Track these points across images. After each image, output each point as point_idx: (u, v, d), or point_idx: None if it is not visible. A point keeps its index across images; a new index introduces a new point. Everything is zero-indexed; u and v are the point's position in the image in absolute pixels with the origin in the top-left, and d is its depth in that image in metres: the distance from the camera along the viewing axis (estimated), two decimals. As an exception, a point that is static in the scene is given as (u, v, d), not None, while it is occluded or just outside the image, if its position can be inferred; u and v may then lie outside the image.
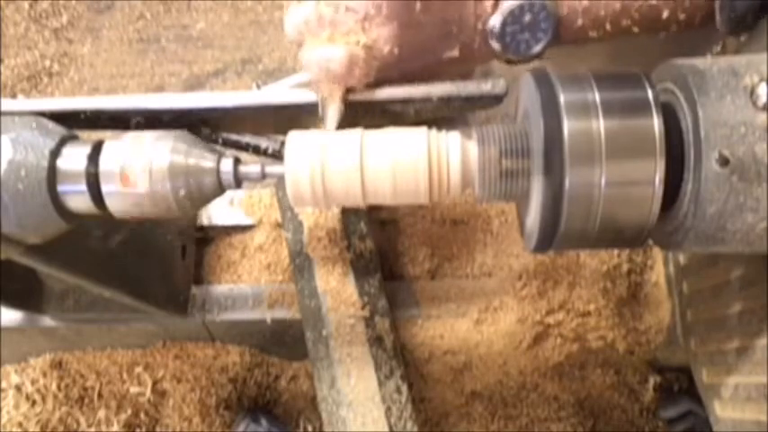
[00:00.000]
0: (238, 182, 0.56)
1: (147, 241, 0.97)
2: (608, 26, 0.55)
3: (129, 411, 1.18)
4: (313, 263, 1.02)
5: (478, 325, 1.07)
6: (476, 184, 0.52)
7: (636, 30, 0.55)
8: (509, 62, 0.59)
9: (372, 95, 0.58)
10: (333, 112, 0.57)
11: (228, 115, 0.62)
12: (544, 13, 0.54)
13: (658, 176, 0.47)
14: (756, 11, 0.51)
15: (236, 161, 0.56)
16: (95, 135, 0.59)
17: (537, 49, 0.56)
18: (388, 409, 1.01)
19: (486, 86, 0.57)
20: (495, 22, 0.55)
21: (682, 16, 0.54)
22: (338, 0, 0.54)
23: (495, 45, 0.56)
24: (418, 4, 0.54)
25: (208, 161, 0.55)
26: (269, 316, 1.08)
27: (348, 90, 0.57)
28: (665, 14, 0.54)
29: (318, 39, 0.56)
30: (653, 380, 1.20)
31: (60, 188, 0.55)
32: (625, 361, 1.17)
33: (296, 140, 0.54)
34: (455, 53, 0.57)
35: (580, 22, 0.55)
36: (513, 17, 0.54)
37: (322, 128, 0.57)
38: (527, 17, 0.54)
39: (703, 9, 0.53)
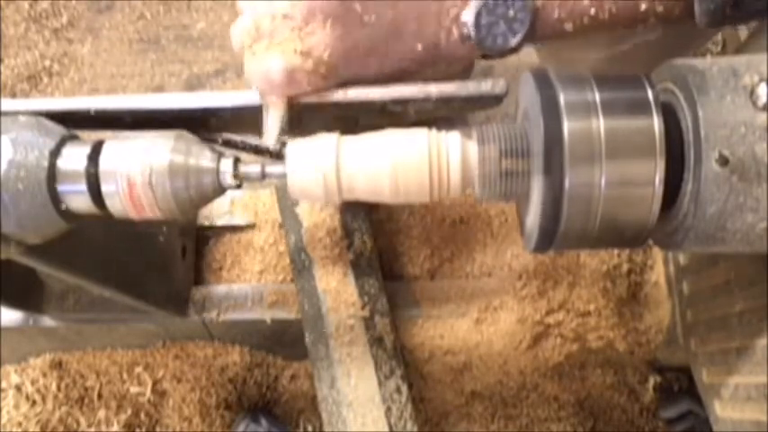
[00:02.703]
0: (238, 182, 0.56)
1: (147, 241, 0.97)
2: (585, 19, 0.54)
3: (129, 411, 1.18)
4: (313, 263, 1.02)
5: (478, 325, 1.07)
6: (476, 184, 0.52)
7: (613, 22, 0.55)
8: (485, 57, 0.57)
9: (372, 95, 0.58)
10: (273, 122, 0.57)
11: (228, 115, 0.62)
12: (520, 4, 0.53)
13: (658, 176, 0.47)
14: (734, 5, 0.50)
15: (236, 161, 0.56)
16: (95, 135, 0.59)
17: (514, 41, 0.54)
18: (388, 409, 1.01)
19: (486, 86, 0.57)
20: (468, 15, 0.53)
21: (660, 9, 0.53)
22: (275, 6, 0.53)
23: (470, 40, 0.54)
24: (358, 6, 0.53)
25: (208, 161, 0.55)
26: (269, 316, 1.08)
27: (291, 99, 0.57)
28: (643, 6, 0.53)
29: (258, 49, 0.55)
30: (653, 380, 1.20)
31: (60, 188, 0.55)
32: (625, 361, 1.17)
33: (296, 143, 0.54)
34: (416, 52, 0.56)
35: (557, 14, 0.54)
36: (488, 9, 0.53)
37: (264, 137, 0.57)
38: (502, 9, 0.53)
39: (682, 2, 0.53)
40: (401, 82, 0.57)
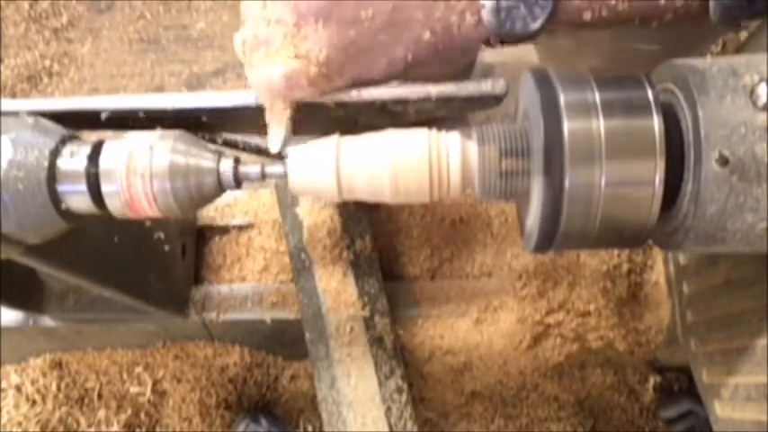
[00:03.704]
0: (238, 182, 0.56)
1: (147, 241, 0.97)
2: (604, 10, 0.54)
3: (129, 411, 1.18)
4: (313, 263, 1.02)
5: (478, 325, 1.07)
6: (476, 184, 0.52)
7: (631, 16, 0.55)
8: (503, 43, 0.57)
9: (372, 95, 0.58)
10: (278, 128, 0.57)
11: (228, 115, 0.62)
12: None
13: (658, 176, 0.47)
14: (749, 5, 0.50)
15: (236, 161, 0.56)
16: (95, 135, 0.59)
17: (534, 26, 0.54)
18: (388, 409, 1.01)
19: (486, 86, 0.57)
20: None
21: (678, 4, 0.54)
22: (268, 12, 0.54)
23: (489, 23, 0.54)
24: (350, 2, 0.52)
25: (208, 161, 0.55)
26: (269, 316, 1.08)
27: (296, 104, 0.57)
28: (663, 1, 0.53)
29: (256, 58, 0.55)
30: (653, 380, 1.20)
31: (60, 188, 0.55)
32: (625, 361, 1.17)
33: (300, 147, 0.54)
34: (424, 41, 0.55)
35: (577, 2, 0.54)
36: None
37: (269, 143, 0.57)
38: None
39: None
40: (415, 74, 0.57)
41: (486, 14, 0.54)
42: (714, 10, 0.51)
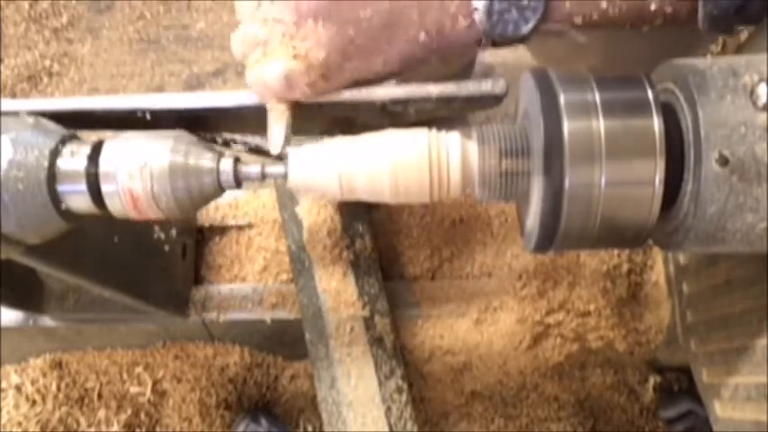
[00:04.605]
0: (238, 182, 0.56)
1: (147, 241, 0.97)
2: (595, 14, 0.54)
3: (129, 411, 1.18)
4: (313, 263, 1.02)
5: (478, 325, 1.07)
6: (476, 184, 0.52)
7: (622, 19, 0.55)
8: (494, 45, 0.57)
9: (372, 95, 0.58)
10: (278, 129, 0.56)
11: (228, 115, 0.62)
12: None
13: (658, 176, 0.47)
14: (737, 12, 0.51)
15: (236, 161, 0.56)
16: (95, 135, 0.59)
17: (525, 29, 0.54)
18: (388, 409, 1.01)
19: (486, 86, 0.57)
20: (479, 1, 0.53)
21: (668, 9, 0.54)
22: (265, 11, 0.53)
23: (481, 25, 0.54)
24: (349, 3, 0.52)
25: (208, 161, 0.55)
26: (269, 316, 1.08)
27: (294, 104, 0.56)
28: (653, 6, 0.53)
29: (254, 57, 0.55)
30: (653, 380, 1.20)
31: (60, 188, 0.55)
32: (625, 361, 1.17)
33: (300, 147, 0.54)
34: (419, 41, 0.55)
35: (569, 5, 0.54)
36: None
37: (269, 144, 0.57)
38: None
39: (689, 5, 0.53)
40: (411, 70, 0.57)
41: (479, 17, 0.54)
42: (702, 17, 0.51)
